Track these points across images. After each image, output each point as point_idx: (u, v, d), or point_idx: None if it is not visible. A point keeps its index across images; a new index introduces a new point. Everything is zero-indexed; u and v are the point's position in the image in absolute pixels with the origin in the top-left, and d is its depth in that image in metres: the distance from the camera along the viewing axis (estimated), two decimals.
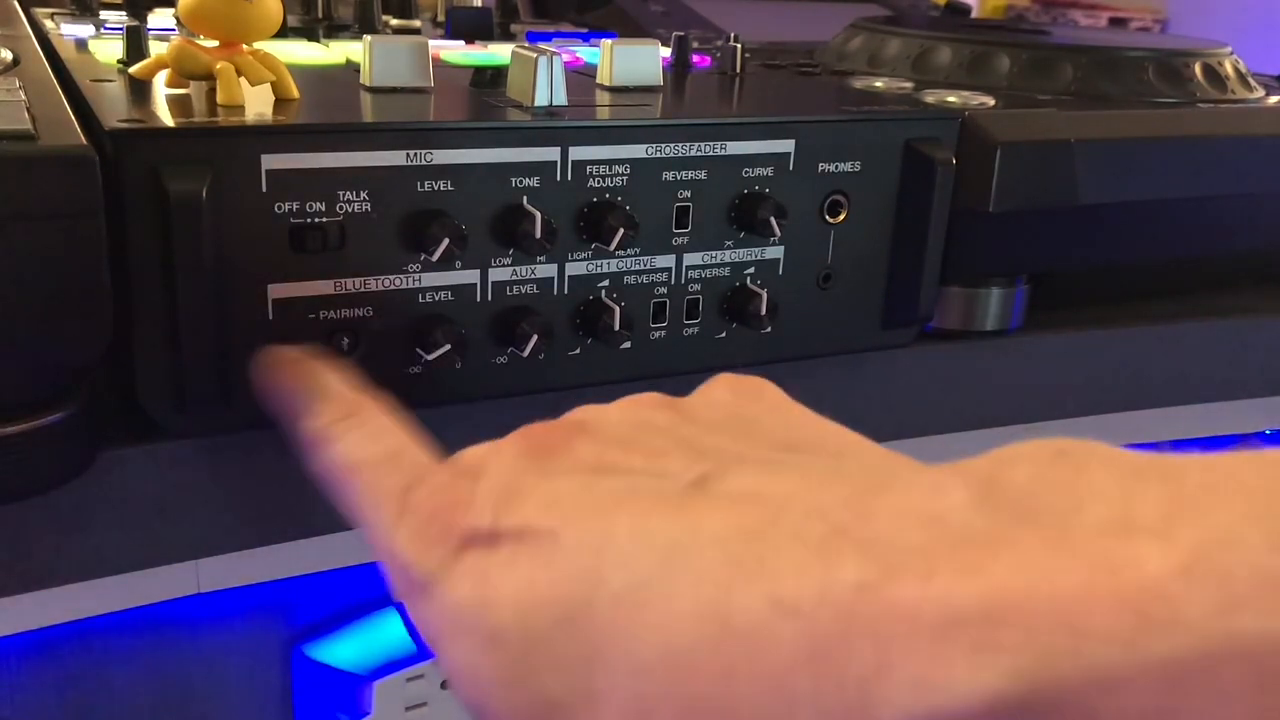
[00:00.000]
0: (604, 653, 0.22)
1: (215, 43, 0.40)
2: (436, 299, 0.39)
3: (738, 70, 0.56)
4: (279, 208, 0.36)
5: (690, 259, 0.43)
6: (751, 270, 0.45)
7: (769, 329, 0.45)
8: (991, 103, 0.51)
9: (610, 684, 0.22)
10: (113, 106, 0.37)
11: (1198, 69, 0.58)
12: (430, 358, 0.39)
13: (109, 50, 0.47)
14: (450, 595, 0.25)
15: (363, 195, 0.37)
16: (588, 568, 0.23)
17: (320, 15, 0.66)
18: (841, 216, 0.46)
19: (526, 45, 0.46)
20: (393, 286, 0.39)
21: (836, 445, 0.27)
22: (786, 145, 0.44)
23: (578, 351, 0.42)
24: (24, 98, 0.36)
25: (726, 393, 0.30)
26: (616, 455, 0.26)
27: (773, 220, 0.43)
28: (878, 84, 0.56)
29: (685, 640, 0.21)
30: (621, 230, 0.40)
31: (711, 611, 0.21)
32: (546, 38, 0.66)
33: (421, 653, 0.49)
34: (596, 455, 0.26)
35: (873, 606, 0.19)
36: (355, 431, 0.31)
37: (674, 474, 0.25)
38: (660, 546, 0.22)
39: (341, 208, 0.37)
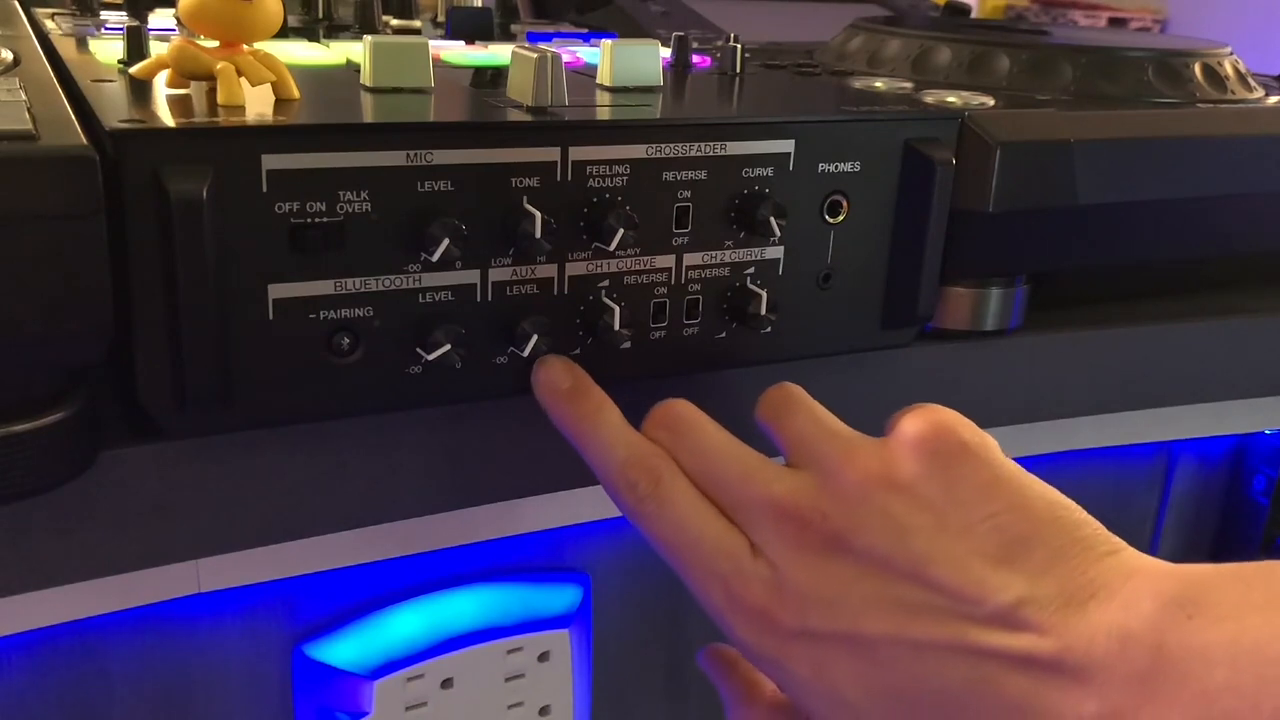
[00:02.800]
0: None
1: (215, 43, 0.40)
2: (436, 299, 0.39)
3: (738, 70, 0.56)
4: (279, 208, 0.36)
5: (690, 259, 0.43)
6: (751, 270, 0.45)
7: (769, 329, 0.45)
8: (991, 103, 0.51)
9: None
10: (113, 107, 0.37)
11: (1198, 69, 0.58)
12: (430, 358, 0.39)
13: (109, 50, 0.47)
14: (794, 674, 0.35)
15: (363, 195, 0.37)
16: (907, 675, 0.33)
17: (320, 15, 0.66)
18: (841, 216, 0.46)
19: (526, 45, 0.46)
20: (393, 286, 0.39)
21: (1045, 548, 0.33)
22: (786, 145, 0.44)
23: (578, 351, 0.42)
24: (24, 98, 0.36)
25: (931, 462, 0.35)
26: (887, 569, 0.34)
27: (773, 220, 0.43)
28: (878, 84, 0.56)
29: None
30: (621, 230, 0.40)
31: None
32: (546, 38, 0.66)
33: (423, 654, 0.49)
34: (871, 562, 0.34)
35: None
36: (664, 515, 0.37)
37: (937, 609, 0.33)
38: (961, 680, 0.32)
39: (341, 208, 0.37)
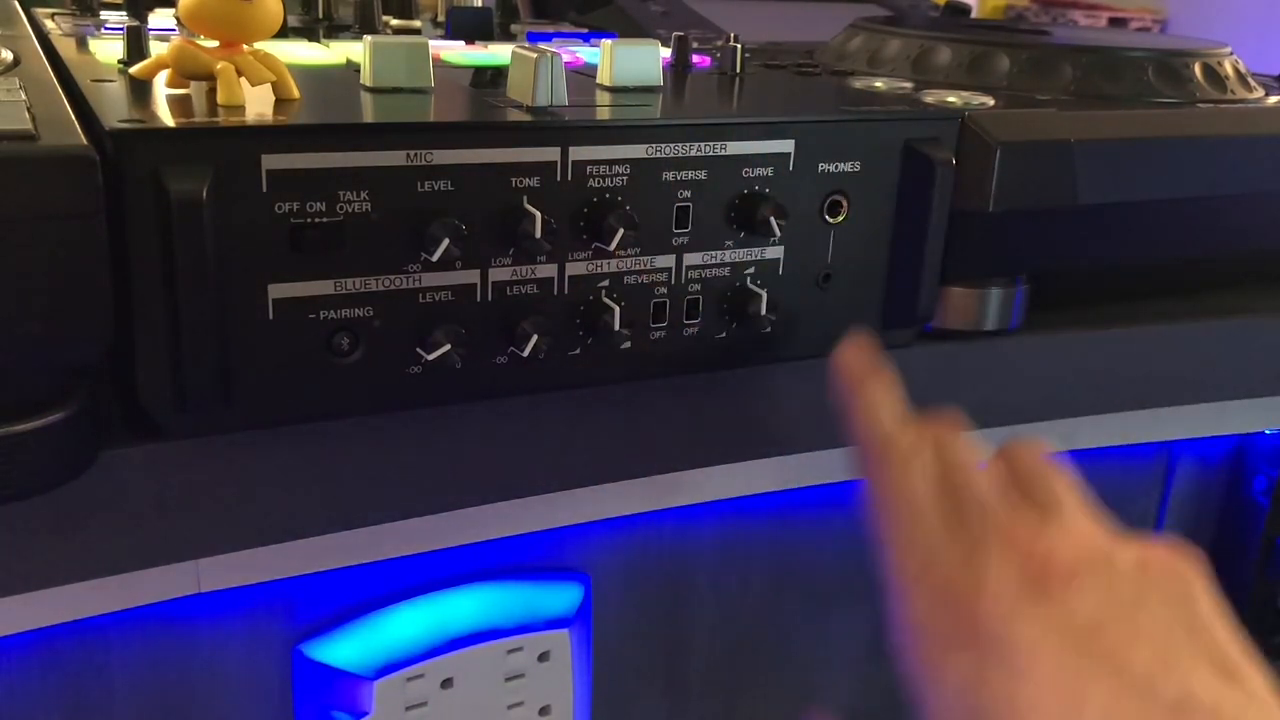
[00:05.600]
0: None
1: (215, 43, 0.40)
2: (436, 299, 0.39)
3: (738, 70, 0.56)
4: (279, 208, 0.36)
5: (690, 259, 0.43)
6: (751, 270, 0.45)
7: (769, 329, 0.45)
8: (991, 103, 0.51)
9: None
10: (113, 107, 0.37)
11: (1198, 69, 0.58)
12: (430, 358, 0.39)
13: (109, 50, 0.47)
14: (949, 672, 0.33)
15: (363, 195, 0.37)
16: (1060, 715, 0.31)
17: (320, 15, 0.66)
18: (841, 216, 0.46)
19: (526, 45, 0.46)
20: (393, 286, 0.39)
21: (1258, 682, 0.33)
22: (786, 145, 0.44)
23: (578, 351, 0.42)
24: (24, 98, 0.36)
25: (1174, 576, 0.35)
26: (1093, 634, 0.33)
27: (773, 220, 0.43)
28: (878, 84, 0.56)
29: None
30: (621, 230, 0.40)
31: None
32: (546, 38, 0.66)
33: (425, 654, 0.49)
34: (1084, 616, 0.33)
35: None
36: (912, 475, 0.37)
37: (1130, 675, 0.32)
38: None
39: (341, 208, 0.37)
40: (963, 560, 0.35)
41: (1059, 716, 0.31)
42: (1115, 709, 0.31)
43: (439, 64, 0.50)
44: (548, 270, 0.41)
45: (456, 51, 0.55)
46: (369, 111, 0.41)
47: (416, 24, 0.64)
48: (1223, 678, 0.32)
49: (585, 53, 0.58)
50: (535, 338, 0.40)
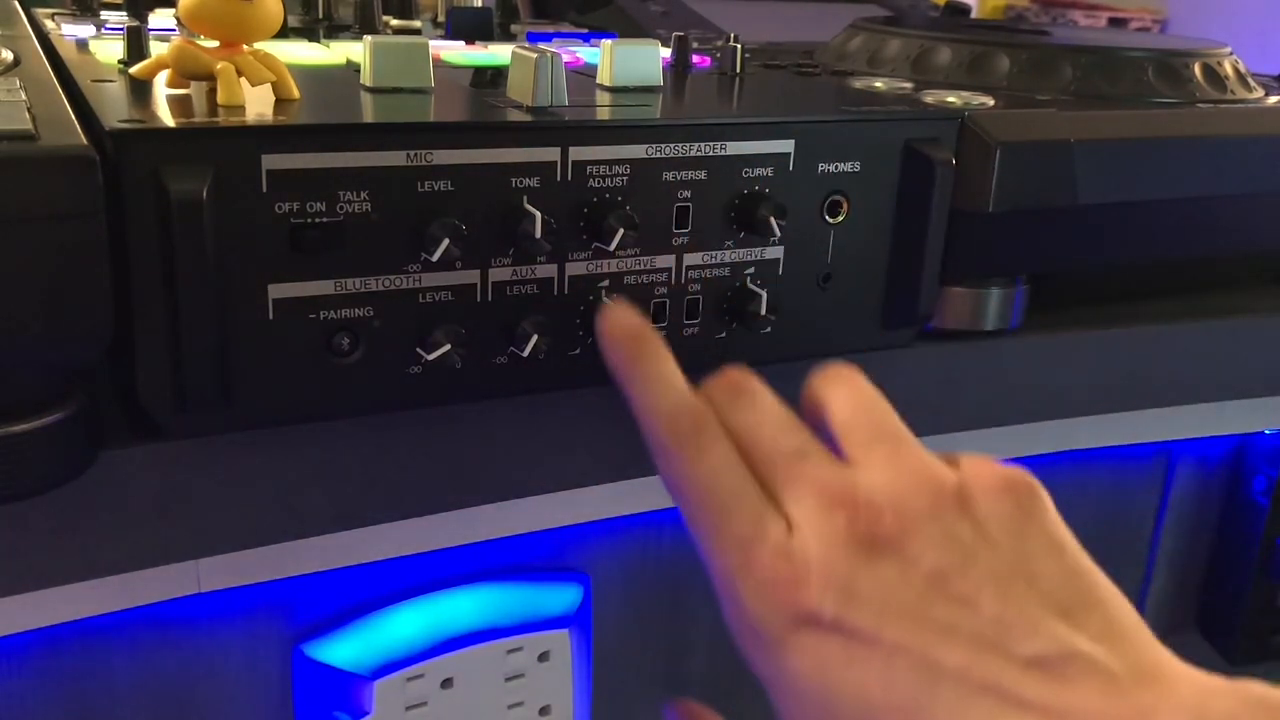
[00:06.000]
0: None
1: (216, 43, 0.40)
2: (436, 299, 0.39)
3: (738, 70, 0.56)
4: (279, 208, 0.36)
5: (690, 259, 0.43)
6: (751, 270, 0.45)
7: (769, 329, 0.45)
8: (991, 103, 0.51)
9: None
10: (113, 107, 0.37)
11: (1197, 69, 0.58)
12: (430, 358, 0.39)
13: (109, 50, 0.47)
14: (791, 664, 0.31)
15: (363, 195, 0.37)
16: (922, 698, 0.29)
17: (320, 15, 0.66)
18: (841, 216, 0.46)
19: (526, 45, 0.46)
20: (393, 286, 0.39)
21: (1108, 618, 0.31)
22: (786, 145, 0.44)
23: (578, 351, 0.42)
24: (25, 98, 0.36)
25: (1008, 505, 0.33)
26: (937, 586, 0.31)
27: (773, 220, 0.43)
28: (878, 84, 0.56)
29: None
30: (621, 230, 0.40)
31: None
32: (546, 38, 0.66)
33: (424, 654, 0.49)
34: (921, 572, 0.31)
35: None
36: (701, 461, 0.34)
37: (976, 638, 0.30)
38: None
39: (341, 208, 0.37)
40: (782, 540, 0.32)
41: (913, 693, 0.29)
42: (972, 673, 0.29)
43: (439, 64, 0.50)
44: (548, 270, 0.41)
45: (456, 51, 0.55)
46: (369, 111, 0.41)
47: (416, 24, 0.64)
48: (1080, 610, 0.31)
49: (585, 53, 0.58)
50: (535, 338, 0.40)
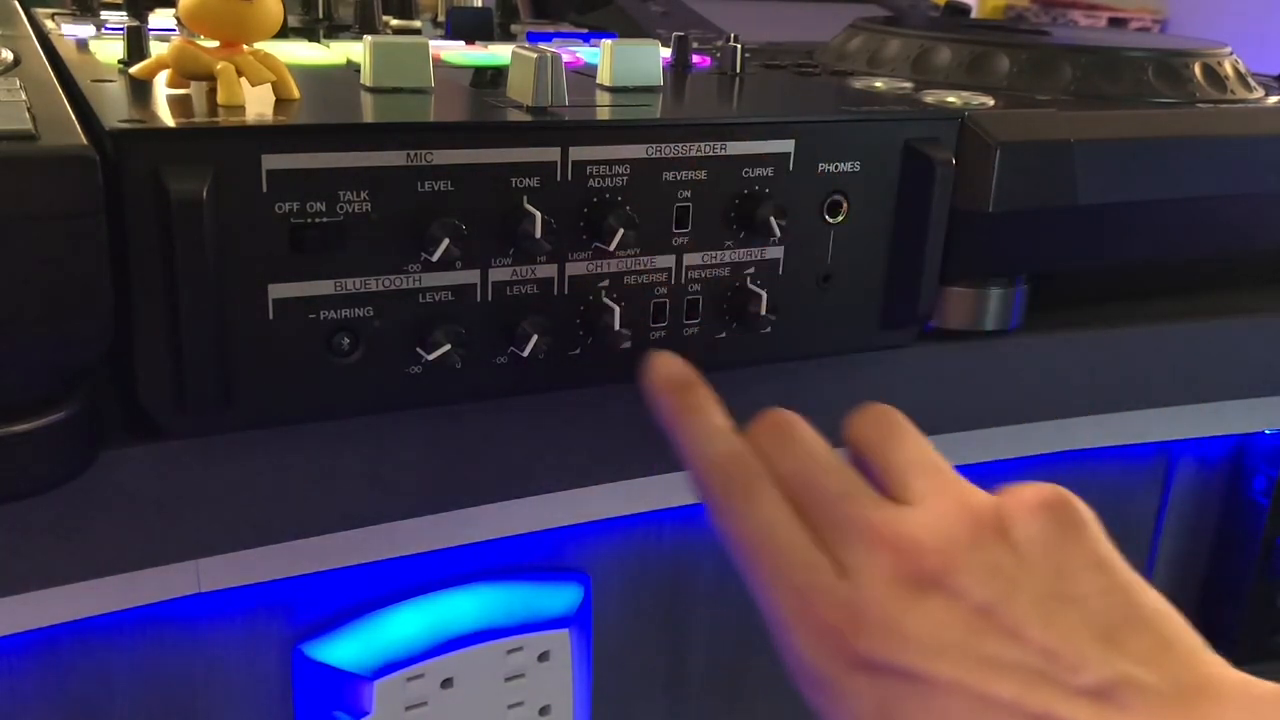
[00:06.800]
0: None
1: (216, 43, 0.40)
2: (436, 299, 0.39)
3: (738, 70, 0.56)
4: (279, 208, 0.36)
5: (690, 259, 0.43)
6: (751, 270, 0.45)
7: (769, 329, 0.45)
8: (991, 103, 0.51)
9: None
10: (113, 107, 0.37)
11: (1197, 69, 0.58)
12: (430, 358, 0.39)
13: (109, 50, 0.47)
14: (850, 706, 0.32)
15: (363, 195, 0.37)
16: None
17: (320, 15, 0.66)
18: (841, 216, 0.46)
19: (526, 45, 0.46)
20: (393, 286, 0.39)
21: (1154, 635, 0.32)
22: (786, 145, 0.44)
23: (578, 351, 0.42)
24: (25, 98, 0.36)
25: (1048, 526, 0.33)
26: (984, 620, 0.31)
27: (773, 220, 0.43)
28: (878, 84, 0.56)
29: None
30: (621, 230, 0.40)
31: None
32: (546, 38, 0.66)
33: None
34: (967, 607, 0.32)
35: None
36: (751, 514, 0.36)
37: (1025, 669, 0.31)
38: None
39: (341, 208, 0.37)
40: (834, 587, 0.33)
41: None
42: (1024, 704, 0.30)
43: (439, 64, 0.50)
44: (548, 270, 0.41)
45: (456, 51, 0.55)
46: (369, 111, 0.41)
47: (416, 24, 0.64)
48: (1125, 628, 0.31)
49: (585, 53, 0.58)
50: (535, 338, 0.40)
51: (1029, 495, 0.34)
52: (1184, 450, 0.66)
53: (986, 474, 0.59)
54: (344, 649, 0.47)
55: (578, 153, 0.40)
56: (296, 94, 0.40)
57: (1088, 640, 0.31)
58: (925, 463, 0.36)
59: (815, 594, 0.33)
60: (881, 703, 0.32)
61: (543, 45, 0.49)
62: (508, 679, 0.51)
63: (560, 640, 0.52)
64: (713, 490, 0.37)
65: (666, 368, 0.40)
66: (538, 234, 0.39)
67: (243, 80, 0.39)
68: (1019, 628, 0.31)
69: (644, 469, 0.48)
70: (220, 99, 0.38)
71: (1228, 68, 0.60)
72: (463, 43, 0.58)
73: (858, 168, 0.46)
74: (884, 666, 0.32)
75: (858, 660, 0.32)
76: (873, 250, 0.47)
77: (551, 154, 0.40)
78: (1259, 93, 0.61)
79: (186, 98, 0.39)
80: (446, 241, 0.38)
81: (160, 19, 0.58)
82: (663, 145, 0.41)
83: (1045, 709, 0.30)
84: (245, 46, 0.40)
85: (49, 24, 0.56)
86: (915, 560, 0.33)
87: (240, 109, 0.38)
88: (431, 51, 0.44)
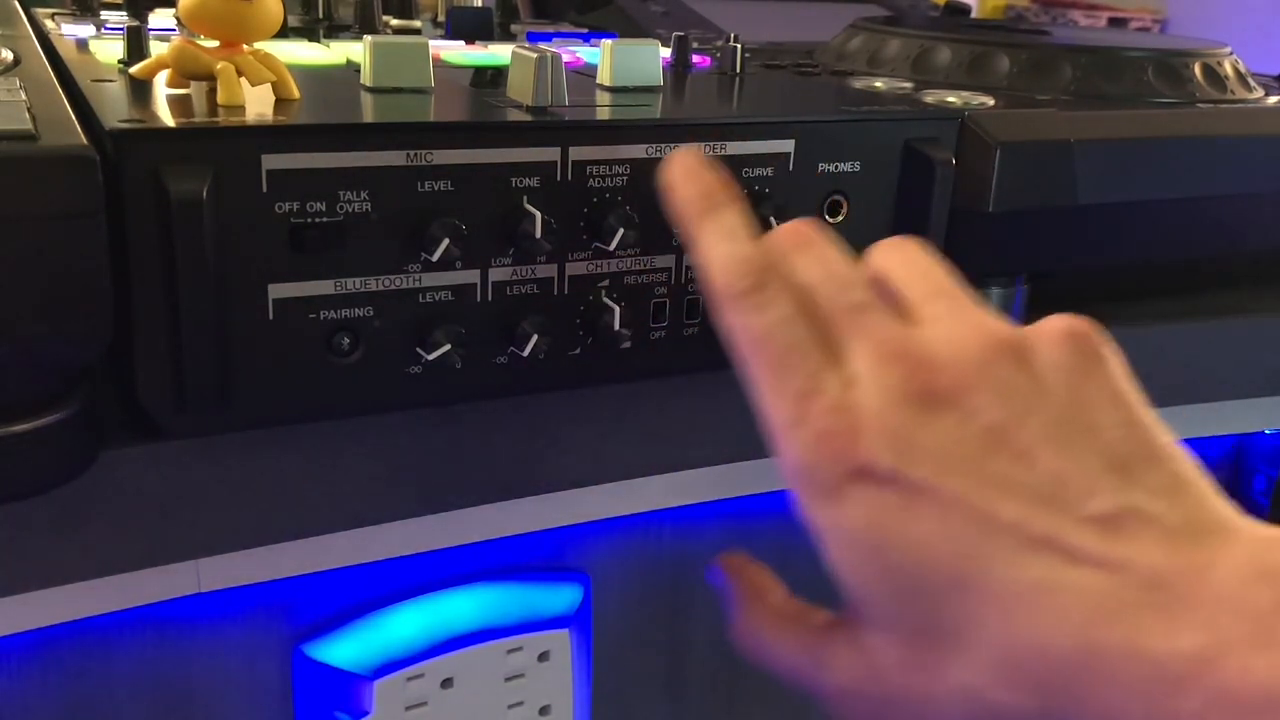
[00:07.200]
0: (982, 617, 0.29)
1: (216, 43, 0.40)
2: (436, 299, 0.39)
3: (738, 70, 0.56)
4: (279, 208, 0.36)
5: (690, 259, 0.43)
6: None
7: None
8: (991, 103, 0.51)
9: (980, 641, 0.29)
10: (113, 107, 0.37)
11: (1197, 69, 0.58)
12: (430, 358, 0.39)
13: (109, 50, 0.47)
14: (845, 516, 0.31)
15: (363, 195, 0.37)
16: (978, 550, 0.29)
17: (320, 15, 0.66)
18: (841, 216, 0.46)
19: (526, 45, 0.46)
20: (393, 286, 0.39)
21: (1167, 472, 0.31)
22: (786, 145, 0.44)
23: (578, 351, 0.42)
24: (25, 98, 0.36)
25: (1069, 354, 0.32)
26: (995, 440, 0.30)
27: (773, 220, 0.43)
28: (878, 84, 0.56)
29: (1055, 650, 0.28)
30: (621, 230, 0.40)
31: (1077, 639, 0.28)
32: (546, 38, 0.66)
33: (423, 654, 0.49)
34: (979, 426, 0.30)
35: (1205, 680, 0.26)
36: (764, 313, 0.34)
37: (1032, 492, 0.30)
38: (1033, 576, 0.29)
39: (341, 208, 0.37)
40: (839, 393, 0.32)
41: (969, 545, 0.29)
42: (1028, 526, 0.29)
43: (439, 64, 0.50)
44: (548, 270, 0.41)
45: (456, 51, 0.55)
46: (369, 111, 0.41)
47: (416, 24, 0.64)
48: (1139, 463, 0.30)
49: (585, 53, 0.58)
50: (535, 338, 0.40)
51: (1053, 323, 0.33)
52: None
53: None
54: (344, 649, 0.47)
55: (578, 153, 0.40)
56: (296, 94, 0.40)
57: (1099, 469, 0.30)
58: (945, 289, 0.34)
59: (819, 398, 0.32)
60: (875, 513, 0.31)
61: (543, 45, 0.49)
62: (508, 679, 0.51)
63: (560, 640, 0.52)
64: (721, 290, 0.35)
65: (686, 167, 0.37)
66: (538, 234, 0.39)
67: (243, 80, 0.39)
68: (1030, 451, 0.30)
69: (644, 469, 0.48)
70: (220, 99, 0.38)
71: (1228, 68, 0.60)
72: (463, 43, 0.58)
73: (858, 168, 0.46)
74: (884, 475, 0.30)
75: (856, 467, 0.31)
76: None
77: (551, 154, 0.40)
78: (1259, 93, 0.61)
79: (186, 98, 0.39)
80: (446, 241, 0.38)
81: (160, 19, 0.58)
82: (663, 145, 0.41)
83: (1049, 533, 0.29)
84: (245, 46, 0.40)
85: (49, 24, 0.56)
86: (928, 375, 0.31)
87: (240, 109, 0.38)
88: (431, 51, 0.44)
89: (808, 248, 0.35)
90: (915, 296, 0.34)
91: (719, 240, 0.35)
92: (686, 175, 0.37)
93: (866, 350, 0.32)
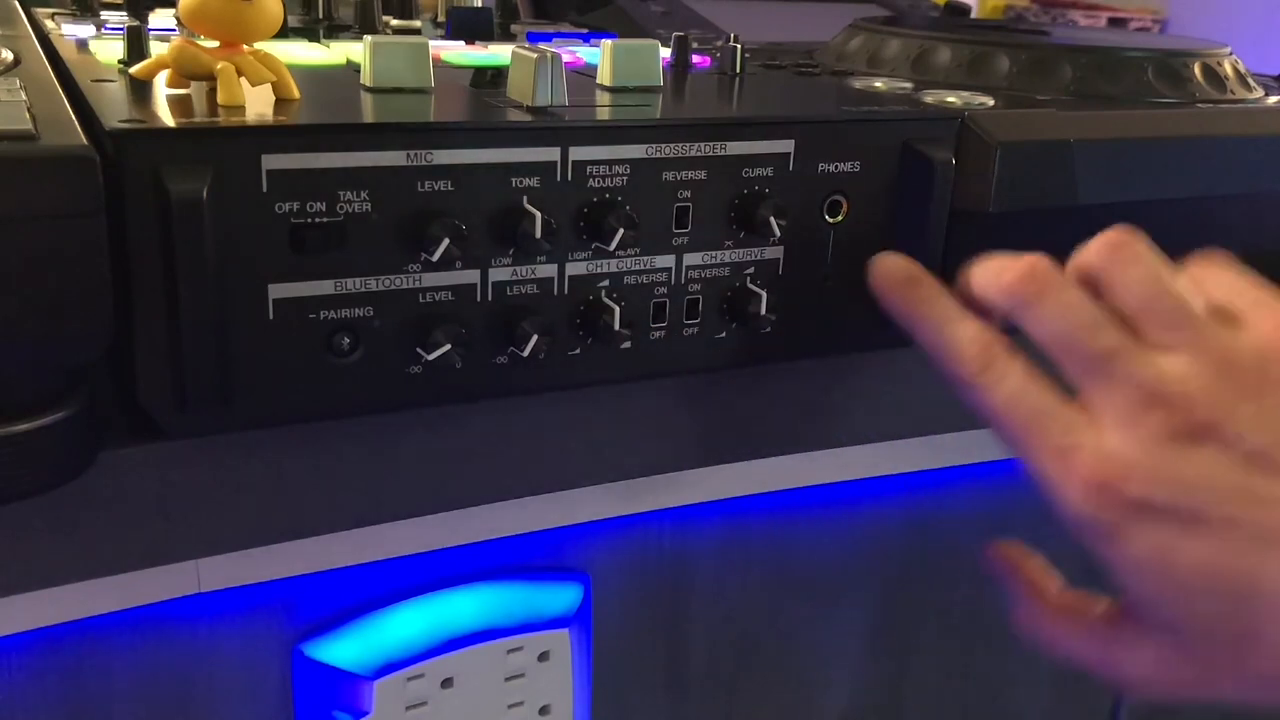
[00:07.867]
0: (1263, 625, 0.33)
1: (216, 43, 0.40)
2: (436, 299, 0.39)
3: (738, 70, 0.56)
4: (279, 208, 0.36)
5: (690, 259, 0.43)
6: (751, 270, 0.45)
7: (769, 329, 0.45)
8: (991, 103, 0.51)
9: (1262, 648, 0.33)
10: (113, 107, 0.37)
11: (1197, 69, 0.58)
12: (430, 358, 0.39)
13: (110, 50, 0.47)
14: (1131, 551, 0.34)
15: (363, 195, 0.37)
16: (1250, 562, 0.33)
17: (320, 15, 0.66)
18: (841, 216, 0.46)
19: (526, 45, 0.46)
20: (393, 286, 0.39)
21: None
22: (786, 145, 0.44)
23: (578, 351, 0.42)
24: (25, 98, 0.36)
25: None
26: (1257, 463, 0.33)
27: (773, 220, 0.43)
28: (878, 84, 0.56)
29: None
30: (621, 230, 0.40)
31: None
32: (546, 38, 0.66)
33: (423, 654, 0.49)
34: (1240, 453, 0.34)
35: None
36: (1002, 386, 0.37)
37: None
38: None
39: (342, 208, 0.37)
40: (1098, 443, 0.35)
41: (1249, 559, 0.33)
42: None
43: (439, 64, 0.50)
44: (548, 270, 0.41)
45: (456, 51, 0.55)
46: (369, 111, 0.41)
47: (416, 24, 0.64)
48: None
49: (585, 53, 0.58)
50: (535, 338, 0.40)
51: (1276, 332, 0.36)
52: None
53: (987, 474, 0.59)
54: (344, 649, 0.47)
55: (578, 153, 0.40)
56: (296, 94, 0.40)
57: None
58: (1180, 313, 0.36)
59: (1077, 453, 0.35)
60: (1160, 544, 0.34)
61: (543, 45, 0.49)
62: (508, 679, 0.51)
63: (560, 640, 0.52)
64: (959, 374, 0.38)
65: (892, 267, 0.41)
66: (538, 234, 0.39)
67: (243, 80, 0.39)
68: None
69: (644, 469, 0.48)
70: (220, 99, 0.38)
71: (1228, 68, 0.60)
72: (463, 43, 0.58)
73: (857, 168, 0.46)
74: (1161, 509, 0.34)
75: (1132, 505, 0.34)
76: (872, 250, 0.47)
77: (551, 154, 0.40)
78: (1259, 93, 0.61)
79: (186, 98, 0.39)
80: (446, 241, 0.38)
81: (160, 19, 0.58)
82: (663, 145, 0.41)
83: None
84: (245, 46, 0.40)
85: (49, 24, 0.56)
86: (1185, 415, 0.34)
87: (240, 109, 0.38)
88: (431, 51, 0.44)
89: (1046, 291, 0.38)
90: (1156, 323, 0.36)
91: (943, 329, 0.39)
92: (894, 275, 0.41)
93: (1121, 398, 0.35)
